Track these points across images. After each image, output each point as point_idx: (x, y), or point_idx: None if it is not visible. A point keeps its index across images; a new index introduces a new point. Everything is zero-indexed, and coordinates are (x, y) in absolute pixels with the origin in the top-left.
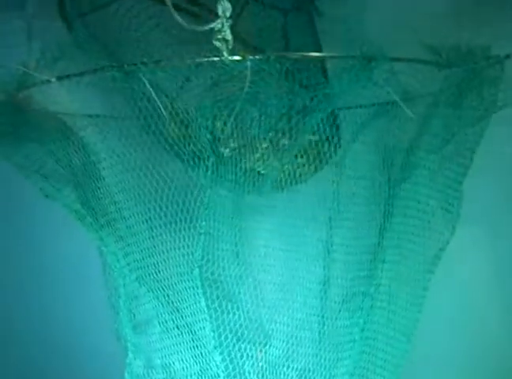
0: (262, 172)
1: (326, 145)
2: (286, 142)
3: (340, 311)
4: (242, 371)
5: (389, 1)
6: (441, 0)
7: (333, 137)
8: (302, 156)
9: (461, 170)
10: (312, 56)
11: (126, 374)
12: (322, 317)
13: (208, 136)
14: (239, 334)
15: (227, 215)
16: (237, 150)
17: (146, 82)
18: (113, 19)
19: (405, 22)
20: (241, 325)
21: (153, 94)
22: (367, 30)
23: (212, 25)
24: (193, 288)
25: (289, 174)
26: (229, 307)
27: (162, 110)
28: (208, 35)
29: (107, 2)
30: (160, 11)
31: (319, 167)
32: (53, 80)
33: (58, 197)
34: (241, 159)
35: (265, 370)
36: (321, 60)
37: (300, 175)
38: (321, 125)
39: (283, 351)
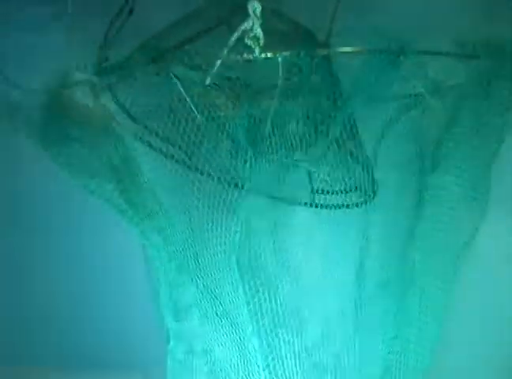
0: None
1: None
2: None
3: (373, 297)
4: (279, 355)
5: None
6: None
7: None
8: None
9: (490, 160)
10: (341, 51)
11: (168, 360)
12: (356, 303)
13: (245, 132)
14: (276, 320)
15: (265, 205)
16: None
17: (173, 77)
18: None
19: (432, 15)
20: (278, 312)
21: (183, 91)
22: (393, 25)
23: (243, 26)
24: (231, 276)
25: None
26: (266, 294)
27: (192, 106)
28: None
29: None
30: None
31: None
32: (93, 78)
33: (101, 194)
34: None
35: (301, 355)
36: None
37: None
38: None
39: (318, 337)
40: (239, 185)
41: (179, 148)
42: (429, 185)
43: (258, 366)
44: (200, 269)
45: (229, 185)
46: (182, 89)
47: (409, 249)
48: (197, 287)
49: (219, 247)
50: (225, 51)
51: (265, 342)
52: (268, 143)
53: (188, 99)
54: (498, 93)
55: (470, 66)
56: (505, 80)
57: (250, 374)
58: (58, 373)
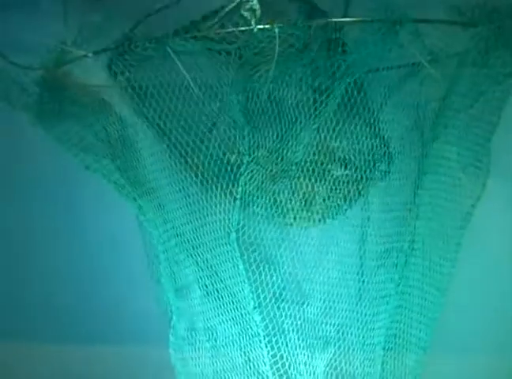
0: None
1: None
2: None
3: (375, 267)
4: (281, 329)
5: None
6: None
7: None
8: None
9: (490, 128)
10: (338, 21)
11: (170, 336)
12: (358, 273)
13: (242, 108)
14: (277, 294)
15: (262, 181)
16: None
17: (171, 53)
18: None
19: None
20: (279, 286)
21: (180, 66)
22: None
23: None
24: (231, 252)
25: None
26: (267, 269)
27: (190, 82)
28: None
29: None
30: None
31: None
32: (90, 54)
33: (97, 168)
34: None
35: (304, 327)
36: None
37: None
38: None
39: (321, 309)
40: (238, 160)
41: (177, 122)
42: (429, 155)
43: (260, 341)
44: (199, 246)
45: (228, 161)
46: (179, 63)
47: (410, 218)
48: (197, 264)
49: (218, 223)
50: (217, 19)
51: (266, 316)
52: (266, 117)
53: (186, 74)
54: (497, 61)
55: (468, 35)
56: (503, 48)
57: (253, 349)
58: (58, 349)
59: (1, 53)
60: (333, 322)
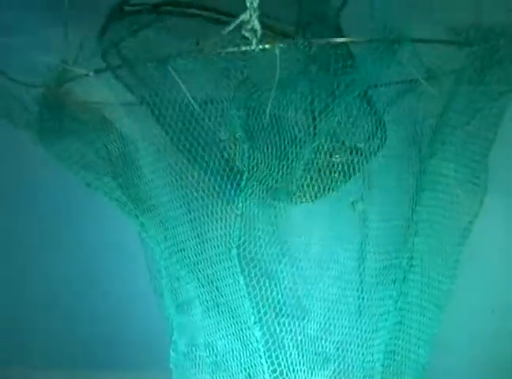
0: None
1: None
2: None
3: (374, 284)
4: (281, 345)
5: None
6: None
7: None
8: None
9: (486, 144)
10: (338, 41)
11: (171, 352)
12: (357, 290)
13: (243, 124)
14: (278, 309)
15: (263, 197)
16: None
17: (172, 72)
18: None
19: (426, 2)
20: (279, 301)
21: (182, 85)
22: (389, 14)
23: (241, 18)
24: (232, 267)
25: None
26: (267, 284)
27: (191, 100)
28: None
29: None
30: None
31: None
32: (91, 73)
33: (99, 186)
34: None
35: (304, 343)
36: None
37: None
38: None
39: (320, 325)
40: (238, 176)
41: (178, 139)
42: (427, 171)
43: (261, 356)
44: (200, 262)
45: (228, 177)
46: (180, 81)
47: (409, 234)
48: (198, 280)
49: (219, 239)
50: (217, 39)
51: (267, 332)
52: (266, 134)
53: (186, 92)
54: (492, 79)
55: (464, 53)
56: (498, 66)
57: (253, 365)
58: (59, 373)
59: (1, 71)
60: (332, 339)
